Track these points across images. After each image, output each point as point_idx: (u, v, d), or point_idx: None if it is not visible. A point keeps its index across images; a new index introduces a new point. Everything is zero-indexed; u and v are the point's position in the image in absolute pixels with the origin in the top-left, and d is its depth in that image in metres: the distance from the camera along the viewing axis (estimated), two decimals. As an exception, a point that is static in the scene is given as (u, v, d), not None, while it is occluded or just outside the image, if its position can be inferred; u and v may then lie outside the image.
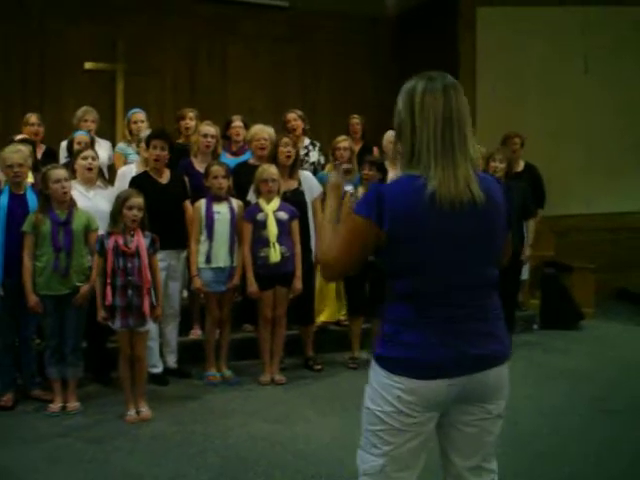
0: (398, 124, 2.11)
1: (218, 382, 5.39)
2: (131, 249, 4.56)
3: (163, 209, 5.01)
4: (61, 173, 4.71)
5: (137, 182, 5.18)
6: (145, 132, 5.71)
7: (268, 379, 5.41)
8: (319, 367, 5.77)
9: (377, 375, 2.12)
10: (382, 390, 2.09)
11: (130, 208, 4.56)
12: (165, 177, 5.37)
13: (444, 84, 2.07)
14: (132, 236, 4.60)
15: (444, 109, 2.04)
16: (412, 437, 2.09)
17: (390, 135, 6.53)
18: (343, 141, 6.19)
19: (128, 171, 5.56)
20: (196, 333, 5.96)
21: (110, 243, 4.57)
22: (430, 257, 2.04)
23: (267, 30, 9.60)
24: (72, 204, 4.77)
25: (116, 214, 4.62)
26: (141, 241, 4.60)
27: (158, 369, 5.30)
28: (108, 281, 4.54)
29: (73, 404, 4.79)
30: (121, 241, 4.56)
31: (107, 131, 7.60)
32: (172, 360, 5.53)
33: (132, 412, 4.65)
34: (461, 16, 8.91)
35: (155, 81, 8.98)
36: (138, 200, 4.59)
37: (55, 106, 8.20)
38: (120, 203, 4.59)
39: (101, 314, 4.61)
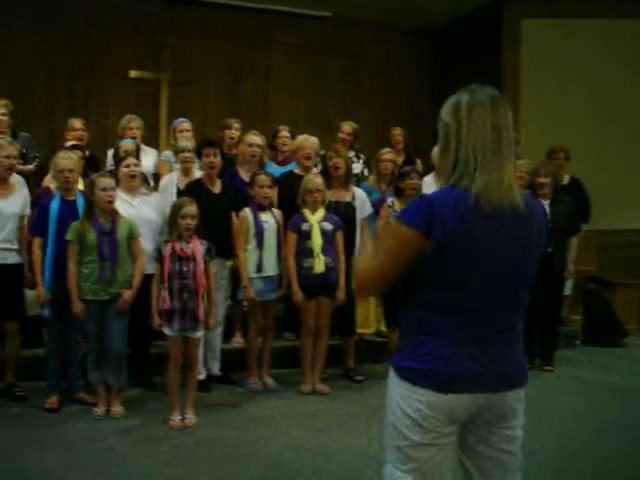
0: (444, 136, 2.10)
1: (260, 390, 5.42)
2: (187, 253, 4.62)
3: (213, 218, 5.05)
4: (109, 182, 4.77)
5: (191, 190, 5.23)
6: (180, 141, 5.75)
7: (309, 389, 5.42)
8: (360, 378, 5.77)
9: (397, 387, 2.09)
10: (403, 403, 2.06)
11: (183, 217, 4.62)
12: (217, 187, 5.42)
13: (490, 95, 2.07)
14: (188, 242, 4.66)
15: (491, 119, 2.03)
16: (437, 451, 2.06)
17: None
18: (387, 153, 6.22)
19: (169, 181, 5.62)
20: (238, 341, 6.00)
21: (167, 250, 4.64)
22: (474, 268, 2.02)
23: (309, 40, 9.66)
24: (115, 212, 4.82)
25: (172, 222, 4.69)
26: (197, 246, 4.67)
27: (202, 376, 5.32)
28: (165, 285, 4.60)
29: (117, 408, 4.84)
30: (178, 246, 4.63)
31: (151, 139, 7.70)
32: (216, 367, 5.57)
33: (176, 418, 4.68)
34: (505, 28, 8.88)
35: (198, 90, 9.11)
36: (191, 209, 4.64)
37: (100, 114, 8.37)
38: (175, 212, 4.67)
39: (156, 320, 4.66)
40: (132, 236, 4.84)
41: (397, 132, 7.21)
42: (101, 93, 8.80)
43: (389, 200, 5.79)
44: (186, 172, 5.58)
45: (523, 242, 2.06)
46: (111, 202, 4.75)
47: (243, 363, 5.55)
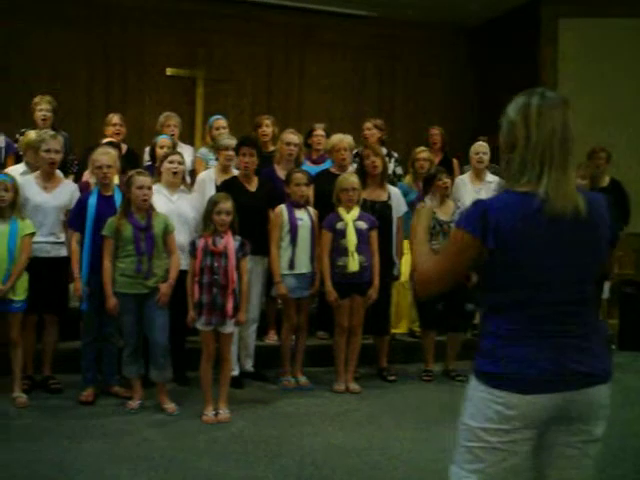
0: (509, 137, 2.10)
1: (293, 387, 5.43)
2: (219, 248, 4.64)
3: (249, 215, 5.06)
4: (145, 180, 4.80)
5: (227, 187, 5.25)
6: (224, 139, 5.78)
7: (342, 387, 5.42)
8: (393, 378, 5.76)
9: (476, 390, 2.10)
10: (481, 405, 2.07)
11: (219, 213, 4.65)
12: (253, 184, 5.44)
13: (560, 98, 2.10)
14: (221, 237, 4.68)
15: (562, 121, 2.05)
16: (508, 456, 2.05)
17: (478, 146, 6.49)
18: (423, 152, 6.20)
19: (207, 177, 5.65)
20: (271, 338, 6.03)
21: (200, 244, 4.67)
22: (535, 269, 2.03)
23: (345, 39, 9.66)
24: (150, 208, 4.86)
25: (207, 217, 4.72)
26: (230, 242, 4.69)
27: (235, 372, 5.34)
28: (196, 279, 4.64)
29: (169, 405, 4.86)
30: (210, 241, 4.66)
31: (187, 136, 7.76)
32: (249, 364, 5.60)
33: (210, 412, 4.71)
34: (543, 27, 8.78)
35: (234, 88, 9.15)
36: (226, 205, 4.67)
37: (137, 111, 8.43)
38: (210, 207, 4.70)
39: (191, 314, 4.69)
40: (167, 231, 4.88)
41: (435, 131, 7.17)
42: (138, 91, 8.89)
43: (425, 201, 5.76)
44: (225, 169, 5.60)
45: (587, 241, 2.07)
46: (146, 200, 4.78)
47: (276, 360, 5.57)
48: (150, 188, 4.82)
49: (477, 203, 2.10)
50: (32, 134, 5.47)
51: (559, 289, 2.05)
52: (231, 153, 5.57)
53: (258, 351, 5.69)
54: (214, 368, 4.82)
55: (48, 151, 5.04)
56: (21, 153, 5.79)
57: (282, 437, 4.45)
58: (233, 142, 5.62)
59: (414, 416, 4.93)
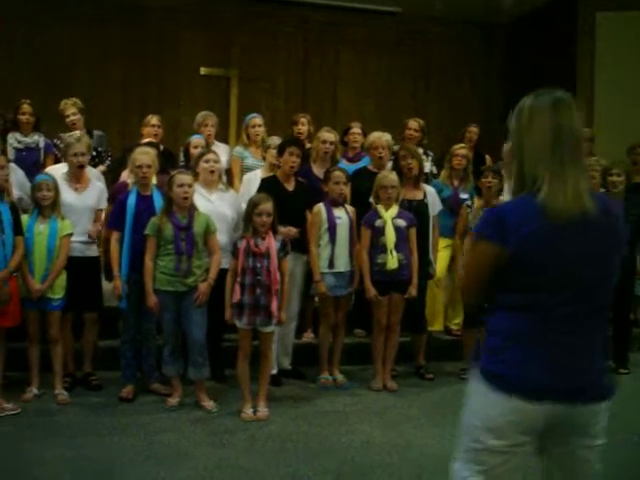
0: (511, 142, 2.10)
1: (330, 386, 5.44)
2: (261, 249, 4.66)
3: (288, 215, 5.07)
4: (185, 179, 4.83)
5: (265, 186, 5.26)
6: (273, 139, 5.80)
7: (380, 385, 5.41)
8: (430, 376, 5.74)
9: (480, 389, 2.08)
10: (483, 405, 2.06)
11: (259, 214, 4.67)
12: (292, 184, 5.45)
13: (553, 99, 2.05)
14: (263, 238, 4.70)
15: (552, 124, 2.01)
16: (509, 458, 2.04)
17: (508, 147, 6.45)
18: (461, 149, 6.17)
19: (254, 177, 5.69)
20: (309, 336, 6.04)
21: (242, 245, 4.69)
22: (549, 273, 2.01)
23: (377, 36, 9.65)
24: (192, 208, 4.89)
25: (247, 218, 4.74)
26: (272, 243, 4.70)
27: (273, 370, 5.35)
28: (238, 280, 4.65)
29: (208, 403, 4.89)
30: (252, 242, 4.68)
31: (220, 135, 7.79)
32: (287, 362, 5.62)
33: (249, 410, 4.73)
34: (579, 22, 8.66)
35: (267, 86, 9.19)
36: (267, 206, 4.68)
37: (172, 110, 8.49)
38: (251, 208, 4.71)
39: (228, 313, 4.71)
40: (208, 231, 4.90)
41: (473, 129, 7.16)
42: (172, 90, 8.97)
43: (466, 197, 5.79)
44: (272, 168, 5.61)
45: (599, 247, 2.04)
46: (187, 198, 4.81)
47: (313, 358, 5.58)
48: (191, 186, 4.84)
49: (492, 210, 2.14)
50: (64, 138, 5.58)
51: (573, 294, 2.02)
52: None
53: (295, 349, 5.70)
54: (251, 365, 4.84)
55: (75, 155, 5.14)
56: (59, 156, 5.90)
57: (320, 435, 4.46)
58: (278, 142, 5.64)
59: (452, 415, 4.82)
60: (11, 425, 4.43)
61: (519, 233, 1.98)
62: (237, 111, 8.83)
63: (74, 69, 8.54)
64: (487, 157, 7.14)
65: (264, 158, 5.89)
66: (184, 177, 4.84)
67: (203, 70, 9.06)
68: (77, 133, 5.59)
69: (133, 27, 8.81)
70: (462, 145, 6.30)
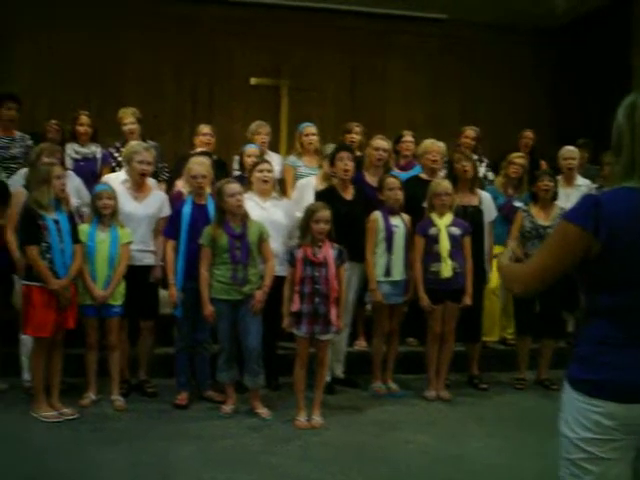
0: (617, 137, 2.06)
1: (383, 394, 5.42)
2: (319, 259, 4.67)
3: (346, 224, 5.07)
4: (235, 187, 4.87)
5: (323, 196, 5.26)
6: (330, 146, 5.83)
7: (434, 395, 5.37)
8: (484, 386, 5.68)
9: (572, 399, 2.04)
10: (578, 415, 2.01)
11: (317, 222, 4.68)
12: (350, 193, 5.46)
13: None
14: (320, 247, 4.71)
15: None
16: (614, 464, 1.99)
17: (567, 151, 6.40)
18: (519, 157, 6.13)
19: (307, 183, 5.71)
20: (361, 344, 6.02)
21: (299, 254, 4.71)
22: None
23: (425, 43, 9.63)
24: (245, 216, 4.92)
25: (305, 227, 4.75)
26: (329, 252, 4.71)
27: (326, 378, 5.34)
28: (296, 289, 4.67)
29: (263, 410, 4.91)
30: (310, 251, 4.69)
31: (271, 144, 7.84)
32: (340, 369, 5.61)
33: (303, 418, 4.74)
34: (634, 25, 8.48)
35: (317, 96, 9.21)
36: (325, 214, 4.69)
37: (223, 120, 8.58)
38: (308, 216, 4.72)
39: (286, 321, 4.73)
40: (262, 238, 4.93)
41: (529, 135, 7.12)
42: (223, 100, 9.07)
43: (521, 204, 5.73)
44: (326, 177, 5.64)
45: None
46: (240, 205, 4.84)
47: (366, 366, 5.56)
48: (241, 194, 4.88)
49: (587, 197, 2.06)
50: (130, 145, 5.64)
51: None
52: None
53: (347, 357, 5.68)
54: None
55: (141, 162, 5.17)
56: (117, 163, 6.00)
57: (375, 444, 4.45)
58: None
59: (505, 426, 4.85)
60: (69, 430, 4.51)
61: (614, 225, 1.94)
62: (287, 120, 8.88)
63: (126, 80, 8.71)
64: (542, 163, 7.06)
65: (320, 166, 5.89)
66: (234, 186, 4.88)
67: (253, 80, 9.14)
68: (143, 143, 5.64)
69: (184, 37, 8.95)
70: (520, 154, 6.25)
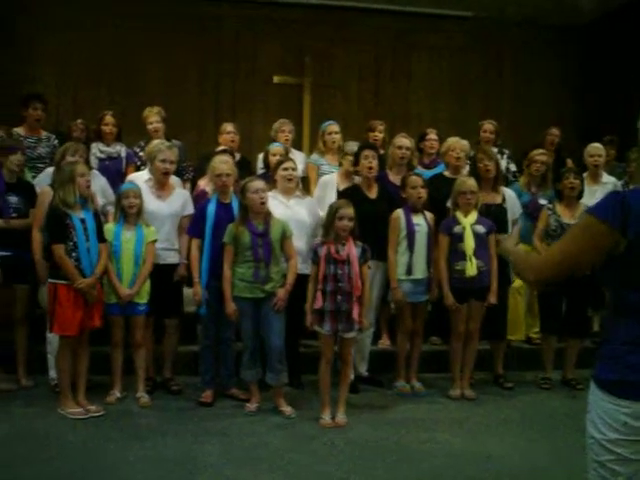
0: None
1: (407, 393, 5.40)
2: (342, 256, 4.67)
3: (370, 222, 5.06)
4: (259, 184, 4.88)
5: (347, 195, 5.25)
6: (351, 145, 5.82)
7: (458, 393, 5.35)
8: (510, 385, 5.64)
9: (599, 400, 2.02)
10: (606, 416, 1.99)
11: (341, 218, 4.67)
12: (374, 192, 5.45)
13: None
14: (343, 245, 4.70)
15: None
16: None
17: (593, 148, 6.34)
18: (540, 155, 6.06)
19: (330, 180, 5.71)
20: (384, 343, 6.00)
21: (323, 251, 4.70)
22: None
23: (449, 41, 9.59)
24: (268, 215, 4.92)
25: (328, 224, 4.74)
26: (352, 249, 4.71)
27: (350, 376, 5.34)
28: (319, 287, 4.67)
29: (287, 408, 4.91)
30: (333, 249, 4.68)
31: (295, 143, 7.83)
32: (364, 368, 5.60)
33: (327, 416, 4.74)
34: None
35: (340, 94, 9.21)
36: (348, 211, 4.68)
37: (246, 118, 8.60)
38: (332, 214, 4.72)
39: (309, 319, 4.73)
40: (285, 236, 4.93)
41: (554, 132, 7.05)
42: (246, 99, 9.08)
43: (545, 202, 5.68)
44: (347, 174, 5.63)
45: None
46: (263, 203, 4.85)
47: (389, 365, 5.56)
48: (265, 191, 4.88)
49: (613, 194, 2.05)
50: (153, 143, 5.66)
51: None
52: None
53: (371, 355, 5.67)
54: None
55: (163, 161, 5.20)
56: (142, 162, 6.03)
57: (399, 443, 4.44)
58: (357, 148, 5.66)
59: (531, 426, 4.81)
60: (95, 426, 4.55)
61: None
62: (310, 119, 8.87)
63: (149, 79, 8.75)
64: (568, 161, 6.99)
65: (340, 164, 5.89)
66: (258, 183, 4.89)
67: (276, 79, 9.14)
68: (166, 142, 5.66)
69: (208, 36, 8.98)
70: (541, 151, 6.18)
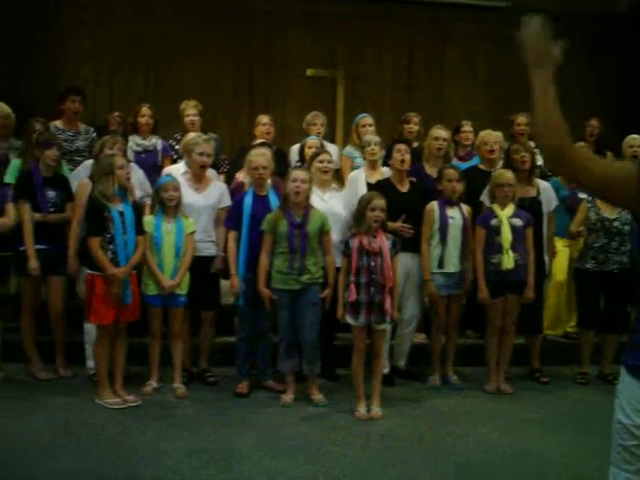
0: None
1: (443, 387, 5.40)
2: (375, 248, 4.67)
3: (401, 216, 5.07)
4: (300, 174, 4.89)
5: (378, 188, 5.23)
6: (368, 136, 5.80)
7: (494, 388, 5.32)
8: (546, 380, 5.60)
9: (628, 386, 2.02)
10: (634, 401, 1.99)
11: (373, 209, 4.67)
12: (405, 185, 5.44)
13: None
14: (375, 237, 4.70)
15: None
16: None
17: (632, 139, 6.26)
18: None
19: (357, 175, 5.69)
20: (420, 337, 5.96)
21: (355, 243, 4.71)
22: None
23: (483, 32, 9.44)
24: (308, 206, 4.93)
25: (360, 216, 4.74)
26: (384, 241, 4.71)
27: (386, 369, 5.32)
28: (352, 279, 4.67)
29: (318, 397, 4.96)
30: (365, 241, 4.68)
31: (328, 135, 7.83)
32: (402, 362, 5.59)
33: (362, 409, 4.74)
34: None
35: (373, 85, 9.16)
36: (380, 202, 4.68)
37: (279, 112, 8.56)
38: (364, 205, 4.72)
39: (341, 311, 4.74)
40: (323, 229, 4.94)
41: (594, 123, 6.97)
42: (279, 92, 9.07)
43: (585, 195, 5.61)
44: (373, 166, 5.62)
45: None
46: (298, 193, 4.84)
47: (424, 359, 5.54)
48: (304, 182, 4.87)
49: None
50: (189, 136, 5.69)
51: None
52: (374, 148, 5.59)
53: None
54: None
55: (201, 154, 5.23)
56: (178, 155, 6.06)
57: (435, 436, 4.43)
58: (375, 138, 5.65)
59: (568, 421, 4.77)
60: (132, 416, 4.61)
61: None
62: (343, 111, 8.84)
63: (183, 72, 8.78)
64: (608, 153, 6.89)
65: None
66: (299, 172, 4.90)
67: (309, 71, 9.11)
68: (203, 135, 5.70)
69: (240, 30, 8.96)
70: (581, 144, 6.09)
